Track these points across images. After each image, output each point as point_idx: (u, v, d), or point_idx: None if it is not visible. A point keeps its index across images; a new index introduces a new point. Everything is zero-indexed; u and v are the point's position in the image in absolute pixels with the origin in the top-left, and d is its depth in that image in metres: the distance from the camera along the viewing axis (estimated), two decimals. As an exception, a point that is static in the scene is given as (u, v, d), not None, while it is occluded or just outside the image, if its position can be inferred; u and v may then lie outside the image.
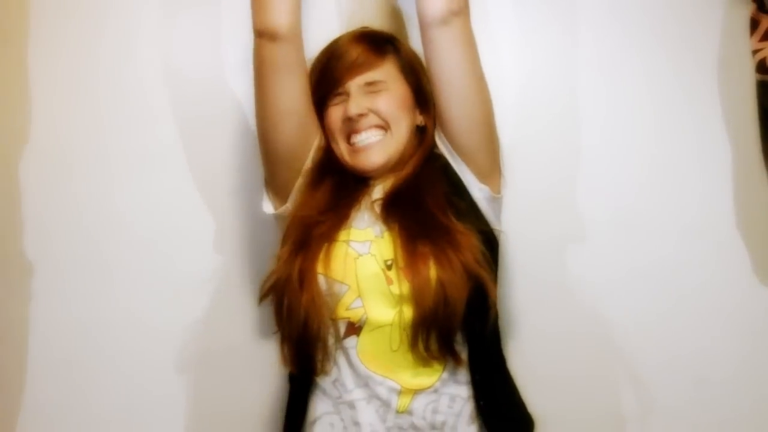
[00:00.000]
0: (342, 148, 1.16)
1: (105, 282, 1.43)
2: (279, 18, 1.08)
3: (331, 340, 1.10)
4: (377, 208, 1.15)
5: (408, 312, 1.08)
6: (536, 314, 1.37)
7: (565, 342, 1.38)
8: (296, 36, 1.11)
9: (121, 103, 1.43)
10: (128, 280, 1.43)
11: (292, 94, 1.13)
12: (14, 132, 1.42)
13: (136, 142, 1.42)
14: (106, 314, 1.43)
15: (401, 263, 1.08)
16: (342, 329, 1.11)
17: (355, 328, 1.10)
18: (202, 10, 1.41)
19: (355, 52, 1.15)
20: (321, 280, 1.08)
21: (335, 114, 1.16)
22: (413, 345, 1.08)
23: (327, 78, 1.16)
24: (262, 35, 1.10)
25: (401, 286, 1.08)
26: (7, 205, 1.42)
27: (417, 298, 1.06)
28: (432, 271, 1.06)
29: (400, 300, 1.08)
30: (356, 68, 1.14)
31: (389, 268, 1.09)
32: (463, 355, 1.12)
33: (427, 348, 1.07)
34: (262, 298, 1.13)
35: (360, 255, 1.10)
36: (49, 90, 1.42)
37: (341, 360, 1.11)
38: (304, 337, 1.07)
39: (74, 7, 1.42)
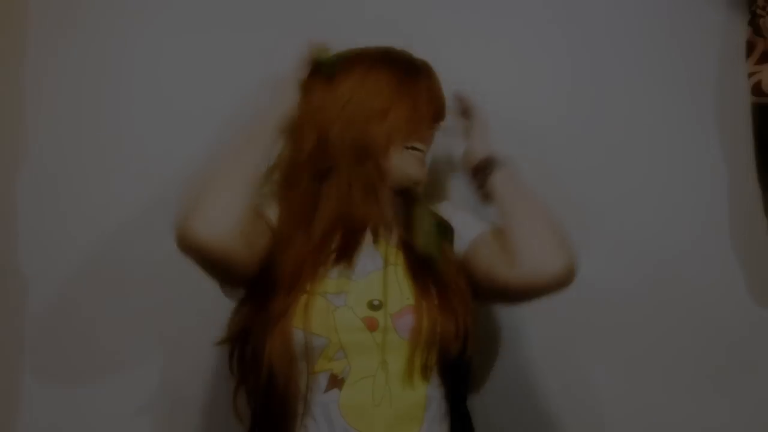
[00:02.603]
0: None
1: (100, 297, 1.42)
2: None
3: (309, 396, 1.05)
4: (391, 242, 1.12)
5: (395, 363, 1.05)
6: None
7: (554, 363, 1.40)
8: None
9: (118, 118, 1.44)
10: (123, 295, 1.42)
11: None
12: (11, 147, 1.42)
13: (133, 158, 1.43)
14: (102, 329, 1.42)
15: (408, 298, 1.06)
16: (324, 383, 1.06)
17: (337, 381, 1.05)
18: (199, 27, 1.44)
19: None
20: (299, 334, 1.04)
21: None
22: (409, 360, 1.04)
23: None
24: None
25: (386, 331, 1.05)
26: (3, 220, 1.41)
27: (419, 324, 1.04)
28: (437, 307, 1.06)
29: (383, 349, 1.05)
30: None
31: (376, 308, 1.06)
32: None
33: (425, 363, 1.05)
34: (223, 342, 1.10)
35: (337, 307, 1.06)
36: (46, 105, 1.43)
37: (319, 415, 1.05)
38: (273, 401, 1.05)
39: (75, 19, 1.44)
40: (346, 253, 1.09)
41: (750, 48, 1.31)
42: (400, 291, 1.07)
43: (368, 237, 1.12)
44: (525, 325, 1.39)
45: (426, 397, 1.06)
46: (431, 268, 1.09)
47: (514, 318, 1.38)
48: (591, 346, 1.40)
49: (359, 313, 1.05)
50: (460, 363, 1.07)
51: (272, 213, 1.12)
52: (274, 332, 1.03)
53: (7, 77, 1.41)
